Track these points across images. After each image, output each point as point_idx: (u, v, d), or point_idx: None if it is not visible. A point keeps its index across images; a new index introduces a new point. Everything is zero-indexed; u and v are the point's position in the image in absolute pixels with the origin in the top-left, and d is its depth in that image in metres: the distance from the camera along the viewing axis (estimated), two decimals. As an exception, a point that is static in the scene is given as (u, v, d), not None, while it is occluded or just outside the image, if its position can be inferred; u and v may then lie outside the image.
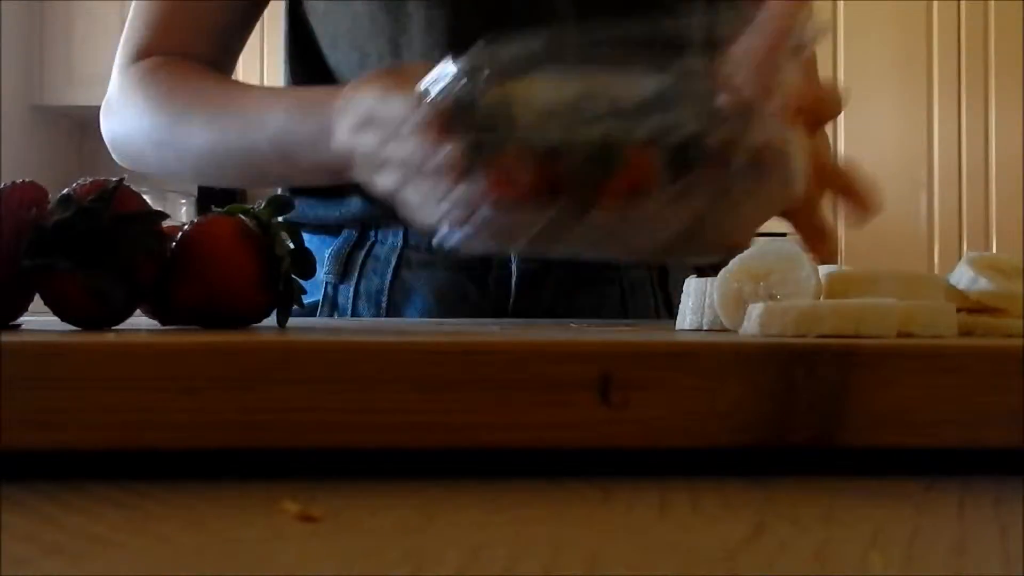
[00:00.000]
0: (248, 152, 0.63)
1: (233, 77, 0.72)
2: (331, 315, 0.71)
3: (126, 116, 0.67)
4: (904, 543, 0.21)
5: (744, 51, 0.43)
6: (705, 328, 0.40)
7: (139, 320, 0.41)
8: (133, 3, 0.70)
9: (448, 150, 0.42)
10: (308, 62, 0.70)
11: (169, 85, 0.65)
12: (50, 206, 0.36)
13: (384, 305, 0.68)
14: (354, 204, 0.68)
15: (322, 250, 0.69)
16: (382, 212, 0.62)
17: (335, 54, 0.69)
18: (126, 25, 0.69)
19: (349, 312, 0.70)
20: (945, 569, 0.19)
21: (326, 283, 0.69)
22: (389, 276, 0.68)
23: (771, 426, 0.26)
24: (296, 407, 0.26)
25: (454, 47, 0.45)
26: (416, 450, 0.26)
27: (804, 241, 0.51)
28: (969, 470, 0.28)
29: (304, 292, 0.43)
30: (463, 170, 0.42)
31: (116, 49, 0.70)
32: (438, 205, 0.44)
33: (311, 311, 0.71)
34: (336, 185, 0.65)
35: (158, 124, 0.65)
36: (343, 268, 0.69)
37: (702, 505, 0.24)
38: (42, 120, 3.20)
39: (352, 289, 0.68)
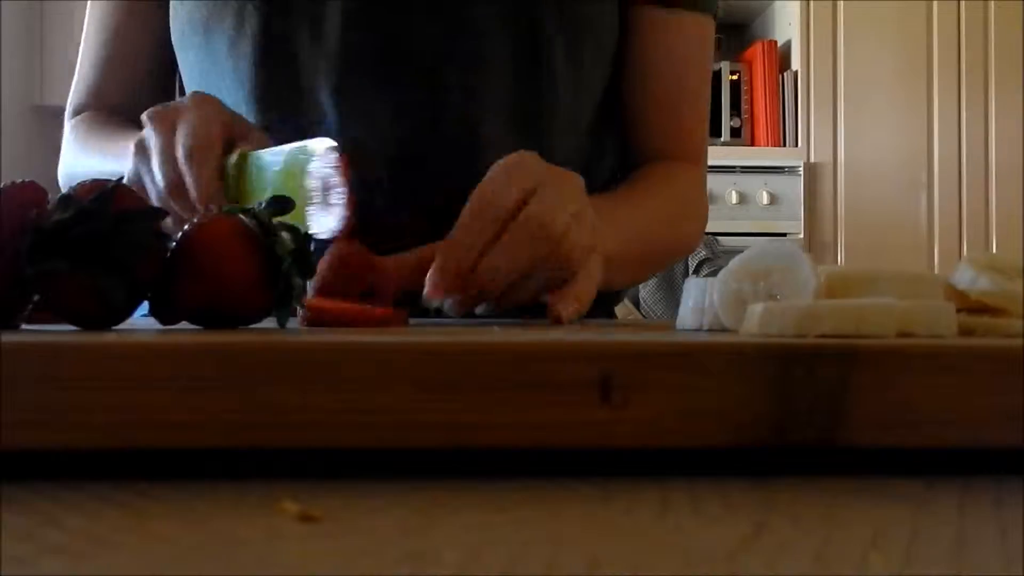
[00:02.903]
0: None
1: None
2: None
3: (63, 165, 0.82)
4: (904, 543, 0.21)
5: None
6: (705, 328, 0.40)
7: (139, 320, 0.41)
8: (78, 64, 0.84)
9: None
10: None
11: (85, 137, 0.79)
12: (50, 206, 0.36)
13: None
14: None
15: None
16: None
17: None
18: (73, 81, 0.84)
19: None
20: (945, 569, 0.19)
21: None
22: None
23: (771, 426, 0.26)
24: (296, 407, 0.26)
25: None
26: (416, 450, 0.26)
27: None
28: (969, 470, 0.28)
29: (305, 292, 0.43)
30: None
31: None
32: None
33: None
34: None
35: (70, 160, 0.80)
36: None
37: (702, 505, 0.24)
38: (42, 120, 3.20)
39: None
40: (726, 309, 0.38)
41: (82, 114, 0.81)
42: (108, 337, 0.29)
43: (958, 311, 0.36)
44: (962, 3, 2.66)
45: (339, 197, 0.50)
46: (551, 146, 0.76)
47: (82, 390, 0.25)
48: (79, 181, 0.38)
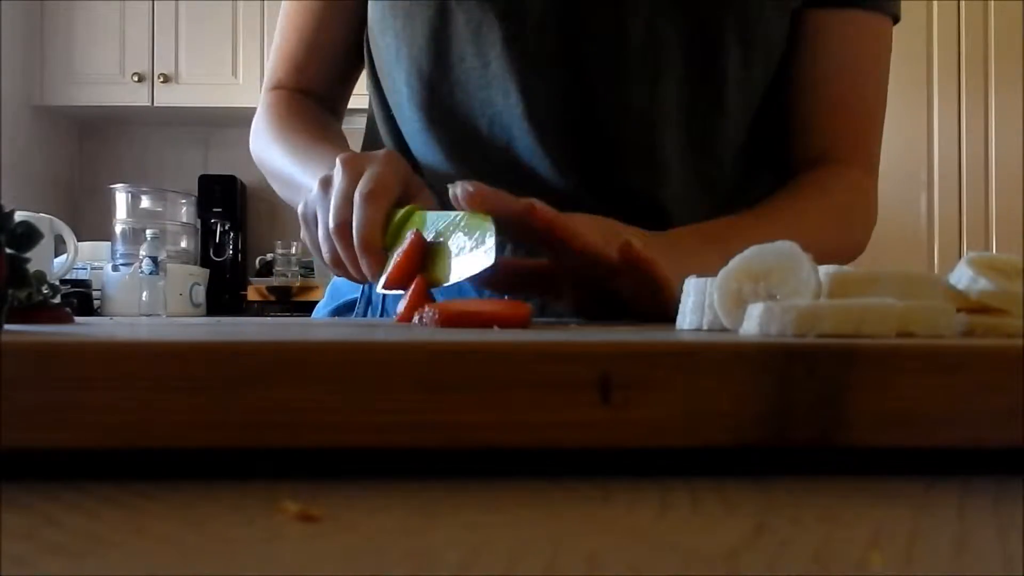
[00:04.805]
0: (284, 184, 0.85)
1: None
2: (365, 311, 0.86)
3: (256, 134, 0.90)
4: (904, 543, 0.21)
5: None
6: (705, 328, 0.40)
7: (138, 319, 0.41)
8: (276, 32, 0.91)
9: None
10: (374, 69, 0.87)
11: (278, 120, 0.87)
12: None
13: None
14: None
15: None
16: None
17: (381, 43, 0.81)
18: (271, 50, 0.92)
19: (379, 307, 0.84)
20: (945, 569, 0.19)
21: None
22: None
23: (771, 426, 0.26)
24: (296, 407, 0.26)
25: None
26: (416, 450, 0.26)
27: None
28: (969, 470, 0.28)
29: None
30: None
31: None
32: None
33: (350, 307, 0.87)
34: None
35: (263, 145, 0.88)
36: None
37: (702, 505, 0.24)
38: (42, 120, 3.20)
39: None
40: (726, 309, 0.38)
41: (279, 90, 0.90)
42: (108, 337, 0.29)
43: (958, 311, 0.36)
44: (962, 3, 2.66)
45: (489, 252, 0.54)
46: (719, 157, 0.76)
47: (82, 390, 0.25)
48: None
